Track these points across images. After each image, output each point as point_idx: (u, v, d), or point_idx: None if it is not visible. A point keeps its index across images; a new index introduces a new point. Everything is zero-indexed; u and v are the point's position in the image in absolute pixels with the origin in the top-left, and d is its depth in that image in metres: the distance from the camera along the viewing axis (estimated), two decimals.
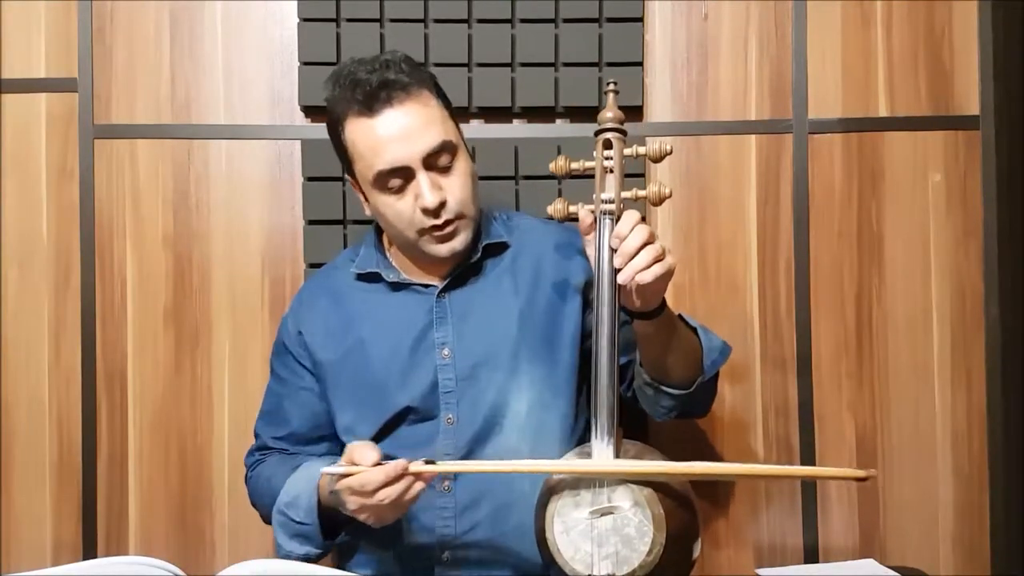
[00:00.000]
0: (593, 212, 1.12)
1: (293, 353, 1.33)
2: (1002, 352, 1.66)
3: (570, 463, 1.07)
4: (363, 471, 1.06)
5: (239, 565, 0.94)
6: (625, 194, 1.12)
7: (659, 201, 1.11)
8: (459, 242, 1.23)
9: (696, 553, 1.07)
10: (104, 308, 1.66)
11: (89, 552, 1.65)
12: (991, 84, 1.67)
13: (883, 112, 1.69)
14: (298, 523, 1.18)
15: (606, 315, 1.08)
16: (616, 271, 1.07)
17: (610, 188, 1.11)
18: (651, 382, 1.21)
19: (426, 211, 1.19)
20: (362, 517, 1.10)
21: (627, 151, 1.13)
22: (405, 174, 1.19)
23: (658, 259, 1.06)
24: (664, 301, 1.13)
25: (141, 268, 1.67)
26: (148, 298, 1.67)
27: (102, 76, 1.66)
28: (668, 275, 1.08)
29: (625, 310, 1.13)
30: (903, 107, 1.69)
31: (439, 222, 1.20)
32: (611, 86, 1.16)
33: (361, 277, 1.31)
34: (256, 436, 1.37)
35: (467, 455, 1.23)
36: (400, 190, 1.20)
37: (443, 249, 1.22)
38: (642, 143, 1.13)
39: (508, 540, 1.22)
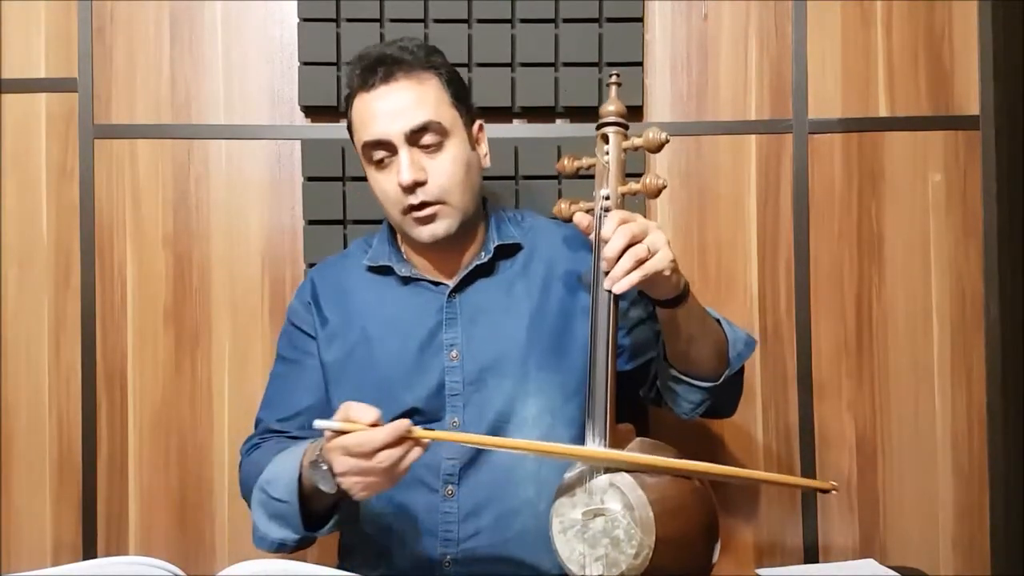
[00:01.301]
0: (590, 212, 1.11)
1: (303, 329, 1.31)
2: (1002, 352, 1.66)
3: (579, 448, 1.05)
4: (361, 429, 0.99)
5: (239, 565, 0.94)
6: (622, 189, 1.11)
7: (655, 192, 1.09)
8: (440, 228, 1.21)
9: (715, 557, 1.05)
10: (104, 308, 1.66)
11: (89, 552, 1.65)
12: (991, 84, 1.67)
13: (883, 112, 1.69)
14: (276, 500, 1.11)
15: (602, 316, 1.07)
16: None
17: (608, 184, 1.10)
18: (677, 376, 1.20)
19: (402, 188, 1.18)
20: (348, 482, 1.01)
21: (624, 144, 1.12)
22: (388, 148, 1.19)
23: (640, 261, 1.03)
24: (687, 289, 1.12)
25: (141, 268, 1.67)
26: (148, 298, 1.66)
27: (102, 76, 1.66)
28: (657, 276, 1.05)
29: (648, 297, 1.12)
30: (903, 107, 1.69)
31: (415, 202, 1.19)
32: (613, 78, 1.15)
33: (372, 270, 1.30)
34: (257, 424, 1.33)
35: (472, 460, 1.21)
36: (385, 166, 1.21)
37: (423, 233, 1.21)
38: (638, 134, 1.12)
39: (511, 546, 1.21)
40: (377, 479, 1.00)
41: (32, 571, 0.98)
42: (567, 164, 1.15)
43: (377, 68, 1.20)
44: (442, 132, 1.20)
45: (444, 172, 1.20)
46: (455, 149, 1.22)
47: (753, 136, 1.69)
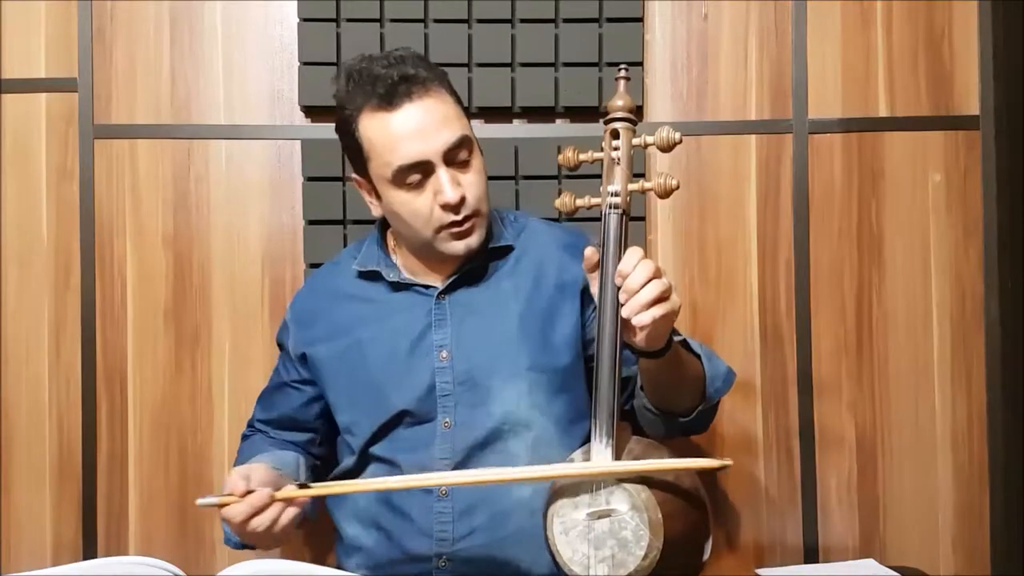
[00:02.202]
0: (597, 207, 1.09)
1: (288, 349, 1.35)
2: (1002, 352, 1.66)
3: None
4: (233, 502, 1.07)
5: (239, 565, 0.94)
6: (632, 186, 1.09)
7: (665, 193, 1.08)
8: (475, 239, 1.22)
9: (707, 554, 1.06)
10: (104, 308, 1.66)
11: (89, 552, 1.65)
12: (991, 84, 1.67)
13: (883, 112, 1.69)
14: None
15: (608, 318, 1.05)
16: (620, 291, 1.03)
17: (617, 180, 1.08)
18: (651, 408, 1.20)
19: (446, 207, 1.18)
20: (246, 541, 1.14)
21: (635, 141, 1.10)
22: (424, 169, 1.18)
23: (662, 297, 1.01)
24: (670, 340, 1.10)
25: (141, 268, 1.67)
26: (148, 298, 1.66)
27: (102, 76, 1.66)
28: (671, 315, 1.03)
29: (629, 347, 1.10)
30: (903, 107, 1.69)
31: (459, 218, 1.19)
32: (622, 73, 1.12)
33: (362, 275, 1.30)
34: (253, 411, 1.42)
35: (465, 460, 1.22)
36: (418, 186, 1.19)
37: (460, 246, 1.21)
38: (650, 132, 1.10)
39: (506, 546, 1.21)
40: (262, 539, 1.11)
41: (32, 571, 0.98)
42: (571, 156, 1.11)
43: (399, 87, 1.17)
44: (470, 146, 1.21)
45: (476, 184, 1.21)
46: (478, 160, 1.23)
47: (753, 136, 1.69)
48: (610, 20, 1.65)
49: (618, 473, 1.01)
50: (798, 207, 1.69)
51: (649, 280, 1.01)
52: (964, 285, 1.69)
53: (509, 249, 1.30)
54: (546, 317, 1.26)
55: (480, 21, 1.64)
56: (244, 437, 1.41)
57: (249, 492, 1.08)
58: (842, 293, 1.69)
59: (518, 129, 1.67)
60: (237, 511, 1.07)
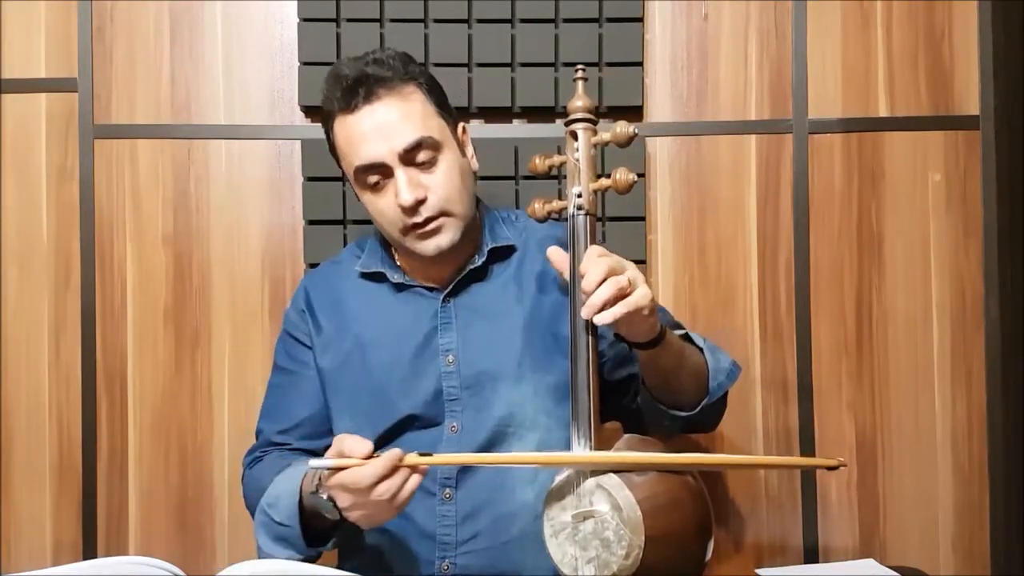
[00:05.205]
0: (564, 211, 1.11)
1: (298, 339, 1.31)
2: (1002, 352, 1.66)
3: (569, 456, 1.06)
4: (354, 464, 1.00)
5: (239, 565, 0.93)
6: (593, 186, 1.09)
7: (625, 188, 1.08)
8: (444, 239, 1.20)
9: (709, 554, 1.05)
10: (104, 308, 1.66)
11: (89, 552, 1.65)
12: (991, 84, 1.67)
13: (883, 112, 1.69)
14: (279, 524, 1.12)
15: (581, 320, 1.05)
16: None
17: (580, 182, 1.09)
18: (655, 403, 1.19)
19: (404, 209, 1.17)
20: (354, 516, 1.04)
21: (594, 140, 1.11)
22: (383, 171, 1.18)
23: (621, 295, 1.00)
24: (662, 330, 1.10)
25: (141, 268, 1.67)
26: (148, 298, 1.66)
27: (102, 76, 1.66)
28: (638, 310, 1.02)
29: (624, 339, 1.10)
30: (903, 107, 1.69)
31: (419, 220, 1.18)
32: (579, 73, 1.13)
33: (366, 276, 1.30)
34: (258, 435, 1.34)
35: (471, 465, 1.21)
36: (380, 187, 1.19)
37: (428, 246, 1.20)
38: (606, 129, 1.10)
39: (509, 549, 1.21)
40: (380, 510, 1.02)
41: (32, 571, 0.98)
42: (539, 163, 1.14)
43: (358, 88, 1.17)
44: (435, 146, 1.19)
45: (443, 185, 1.19)
46: (449, 160, 1.20)
47: (753, 136, 1.69)
48: (610, 20, 1.65)
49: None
50: (798, 207, 1.69)
51: (603, 280, 1.00)
52: (964, 285, 1.69)
53: (512, 249, 1.29)
54: (551, 320, 1.25)
55: (480, 21, 1.64)
56: (252, 462, 1.31)
57: (370, 456, 0.99)
58: (842, 293, 1.69)
59: (518, 129, 1.67)
60: (367, 473, 0.98)
